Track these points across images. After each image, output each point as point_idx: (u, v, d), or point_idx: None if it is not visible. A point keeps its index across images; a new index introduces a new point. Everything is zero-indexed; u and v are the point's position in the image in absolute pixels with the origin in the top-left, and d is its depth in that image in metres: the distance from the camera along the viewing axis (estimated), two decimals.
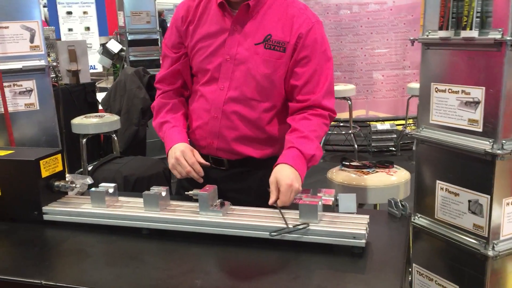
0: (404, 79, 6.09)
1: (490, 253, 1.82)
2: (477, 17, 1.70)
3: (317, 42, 1.65)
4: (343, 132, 5.84)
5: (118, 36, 5.99)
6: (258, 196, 1.61)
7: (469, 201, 1.86)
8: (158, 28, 5.90)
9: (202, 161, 1.65)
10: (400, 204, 1.57)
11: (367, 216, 1.41)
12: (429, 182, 2.02)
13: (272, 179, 1.51)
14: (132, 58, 5.68)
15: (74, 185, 1.62)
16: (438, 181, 1.98)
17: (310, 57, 1.64)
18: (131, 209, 1.53)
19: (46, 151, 1.61)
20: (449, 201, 1.94)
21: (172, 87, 1.79)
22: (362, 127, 5.97)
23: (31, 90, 2.33)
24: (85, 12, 10.14)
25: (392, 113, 6.23)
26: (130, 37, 5.63)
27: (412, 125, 6.02)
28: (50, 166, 1.58)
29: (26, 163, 1.54)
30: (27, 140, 2.39)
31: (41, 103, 2.38)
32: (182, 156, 1.62)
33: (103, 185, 1.58)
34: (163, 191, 1.52)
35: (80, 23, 10.02)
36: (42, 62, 2.34)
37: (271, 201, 1.48)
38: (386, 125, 5.78)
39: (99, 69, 9.27)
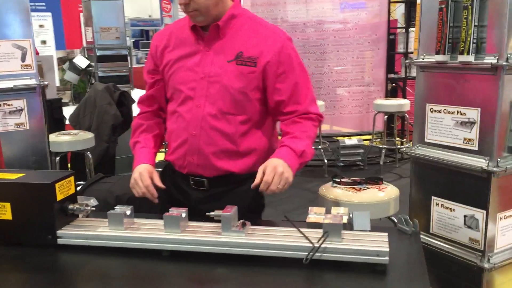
0: (368, 95, 6.30)
1: (486, 265, 1.92)
2: (473, 42, 1.81)
3: (291, 57, 1.74)
4: (313, 147, 5.92)
5: (86, 51, 5.88)
6: (241, 212, 1.64)
7: (465, 216, 1.96)
8: (127, 44, 5.84)
9: (159, 184, 1.75)
10: (410, 221, 1.63)
11: (386, 234, 1.47)
12: (424, 198, 2.11)
13: (260, 167, 1.62)
14: (101, 74, 5.59)
15: (88, 207, 1.60)
16: (433, 197, 2.07)
17: (288, 71, 1.73)
18: (151, 231, 1.52)
19: (59, 173, 1.59)
20: (444, 216, 2.04)
21: (150, 108, 1.92)
22: (329, 142, 6.10)
23: (21, 110, 2.27)
24: (41, 26, 9.91)
25: (357, 128, 6.41)
26: (99, 53, 5.55)
27: (377, 140, 6.21)
28: (64, 189, 1.55)
29: (42, 186, 1.50)
30: (16, 161, 2.31)
31: (31, 122, 2.32)
32: (139, 177, 1.74)
33: (120, 207, 1.57)
34: (183, 212, 1.53)
35: (36, 37, 9.77)
36: (33, 81, 2.29)
37: (253, 184, 1.60)
38: (354, 140, 5.93)
39: (57, 83, 9.05)
